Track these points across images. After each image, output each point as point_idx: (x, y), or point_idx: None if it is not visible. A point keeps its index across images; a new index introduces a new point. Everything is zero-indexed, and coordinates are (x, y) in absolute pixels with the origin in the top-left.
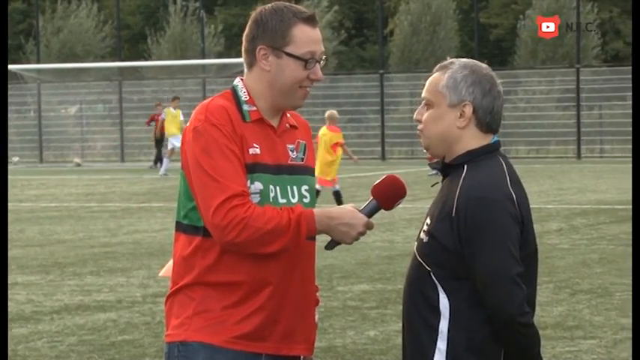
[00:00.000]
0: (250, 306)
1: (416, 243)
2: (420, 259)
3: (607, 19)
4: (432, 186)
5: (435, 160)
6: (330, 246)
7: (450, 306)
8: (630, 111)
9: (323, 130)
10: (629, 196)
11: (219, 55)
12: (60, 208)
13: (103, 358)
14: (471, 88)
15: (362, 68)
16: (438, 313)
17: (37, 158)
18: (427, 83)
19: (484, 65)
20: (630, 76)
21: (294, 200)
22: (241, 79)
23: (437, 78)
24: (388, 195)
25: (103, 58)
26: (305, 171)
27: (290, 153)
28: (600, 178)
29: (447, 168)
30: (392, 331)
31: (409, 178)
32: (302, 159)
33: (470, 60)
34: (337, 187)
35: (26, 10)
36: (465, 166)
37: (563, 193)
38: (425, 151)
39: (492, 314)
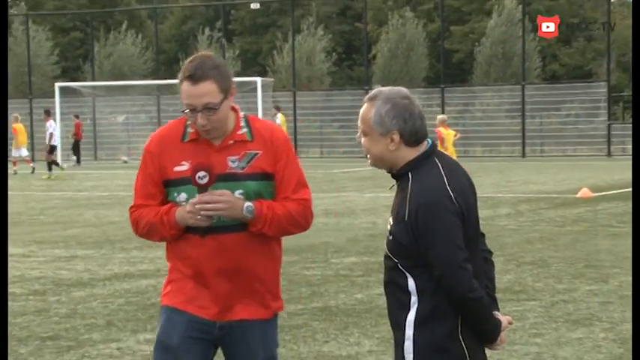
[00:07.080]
0: (194, 280)
1: (385, 239)
2: (388, 253)
3: (546, 45)
4: (389, 189)
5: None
6: (200, 233)
7: (416, 286)
8: (564, 119)
9: (445, 131)
10: (563, 186)
11: (237, 75)
12: (111, 197)
13: (145, 315)
14: (394, 120)
15: (351, 85)
16: (408, 293)
17: (92, 157)
18: (360, 114)
19: (403, 92)
20: (565, 91)
21: None
22: None
23: (366, 111)
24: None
25: (144, 77)
26: (244, 177)
27: (230, 163)
28: (541, 173)
29: (396, 176)
30: (374, 294)
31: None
32: (243, 167)
33: (391, 91)
34: None
35: (84, 38)
36: (410, 174)
37: (510, 184)
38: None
39: (448, 293)
